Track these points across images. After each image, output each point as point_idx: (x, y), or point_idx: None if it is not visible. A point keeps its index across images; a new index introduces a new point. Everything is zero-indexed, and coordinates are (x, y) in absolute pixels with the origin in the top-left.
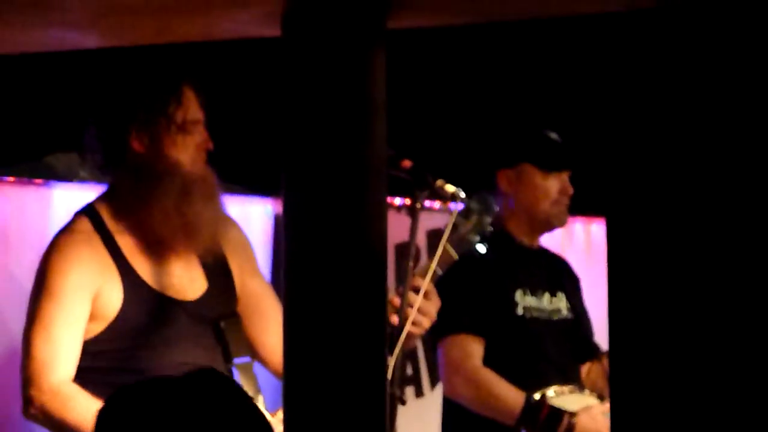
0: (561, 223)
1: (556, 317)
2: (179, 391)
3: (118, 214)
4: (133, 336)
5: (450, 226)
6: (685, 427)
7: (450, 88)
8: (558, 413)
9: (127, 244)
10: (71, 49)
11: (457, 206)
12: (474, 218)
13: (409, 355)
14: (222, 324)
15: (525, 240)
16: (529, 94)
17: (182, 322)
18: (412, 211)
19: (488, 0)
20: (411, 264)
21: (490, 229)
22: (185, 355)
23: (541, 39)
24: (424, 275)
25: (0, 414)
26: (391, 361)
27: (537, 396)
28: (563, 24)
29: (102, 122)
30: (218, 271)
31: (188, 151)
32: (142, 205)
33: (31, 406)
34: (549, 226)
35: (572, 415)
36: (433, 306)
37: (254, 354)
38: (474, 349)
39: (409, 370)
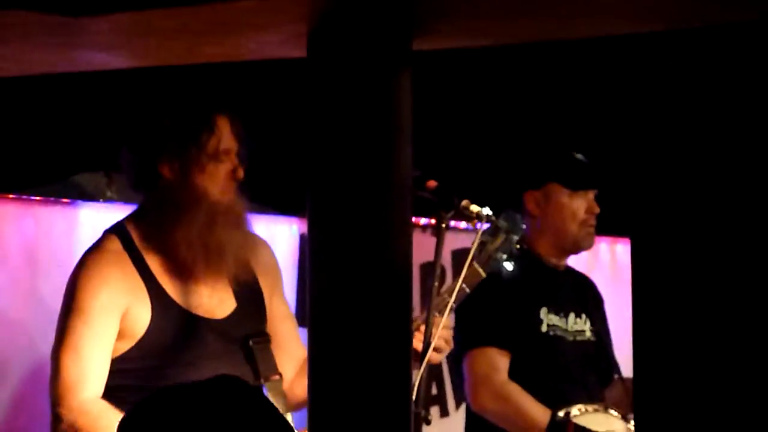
0: (588, 245)
1: (579, 338)
2: (205, 398)
3: (147, 235)
4: (161, 354)
5: (477, 245)
6: None
7: (476, 109)
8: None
9: (155, 263)
10: (100, 70)
11: (483, 226)
12: (501, 237)
13: (435, 374)
14: (251, 343)
15: (552, 260)
16: (555, 116)
17: (210, 340)
18: (438, 231)
19: (513, 23)
20: (436, 284)
21: (516, 247)
22: (213, 373)
23: (567, 60)
24: (451, 293)
25: (28, 431)
26: (416, 381)
27: (562, 414)
28: (590, 45)
29: (134, 145)
30: (247, 291)
31: (218, 180)
32: (168, 231)
33: (61, 424)
34: (576, 247)
35: None
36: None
37: None
38: (500, 362)
39: (435, 390)
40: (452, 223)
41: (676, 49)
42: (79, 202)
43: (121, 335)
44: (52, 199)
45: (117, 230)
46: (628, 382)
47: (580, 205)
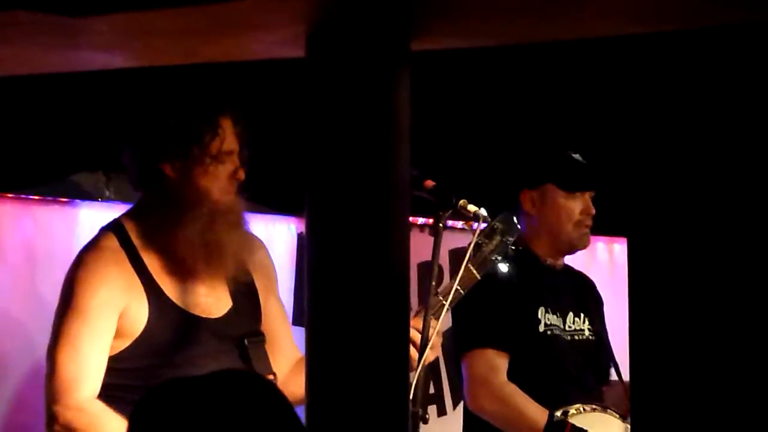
0: (583, 245)
1: (578, 338)
2: (218, 389)
3: (145, 233)
4: (157, 353)
5: (472, 247)
6: None
7: (475, 108)
8: None
9: (153, 261)
10: (100, 69)
11: (480, 226)
12: (497, 239)
13: (432, 373)
14: (246, 342)
15: (549, 260)
16: (552, 116)
17: (206, 339)
18: (435, 231)
19: (511, 23)
20: (433, 283)
21: (512, 249)
22: (209, 372)
23: (565, 60)
24: (446, 296)
25: (28, 430)
26: (414, 380)
27: (559, 413)
28: (589, 45)
29: (137, 143)
30: (244, 291)
31: (219, 180)
32: (168, 230)
33: (56, 423)
34: (571, 247)
35: None
36: None
37: None
38: (499, 363)
39: (432, 389)
40: (450, 222)
41: (672, 49)
42: (78, 201)
43: (118, 334)
44: (50, 198)
45: (114, 228)
46: (627, 382)
47: (576, 205)
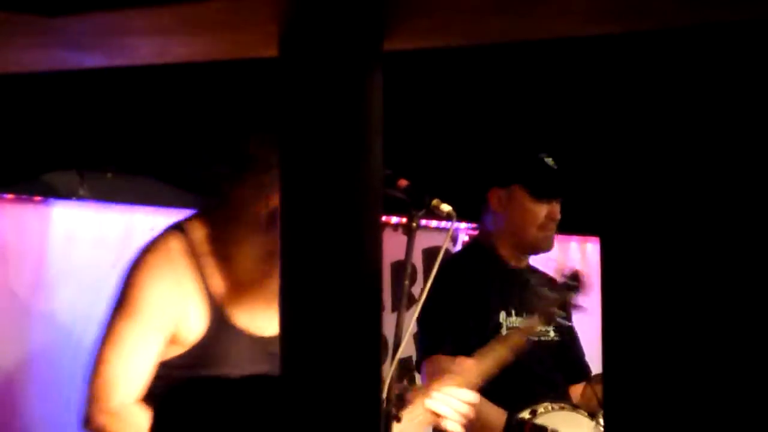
0: (546, 248)
1: (543, 338)
2: (236, 392)
3: (210, 241)
4: (207, 366)
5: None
6: None
7: (448, 107)
8: (541, 430)
9: (214, 272)
10: (73, 69)
11: (453, 225)
12: (565, 295)
13: (405, 373)
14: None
15: (512, 261)
16: (525, 114)
17: (258, 358)
18: (409, 230)
19: (485, 23)
20: (406, 282)
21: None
22: None
23: (539, 60)
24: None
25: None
26: (387, 379)
27: (525, 414)
28: (563, 45)
29: (226, 158)
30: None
31: None
32: (237, 243)
33: (89, 425)
34: (534, 249)
35: None
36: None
37: None
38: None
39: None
40: (423, 221)
41: (646, 48)
42: (52, 200)
43: (171, 340)
44: (24, 196)
45: (180, 231)
46: (595, 380)
47: (542, 210)
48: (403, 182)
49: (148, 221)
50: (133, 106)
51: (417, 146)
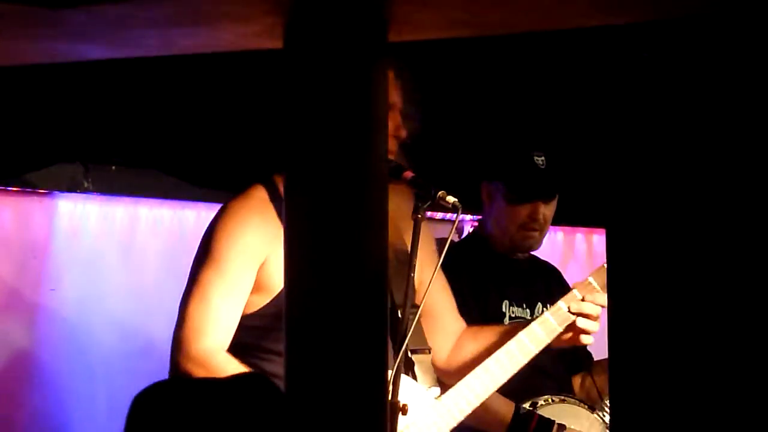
0: (528, 247)
1: None
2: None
3: None
4: None
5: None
6: None
7: (452, 98)
8: (547, 423)
9: None
10: (78, 60)
11: (459, 217)
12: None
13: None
14: (399, 312)
15: (509, 252)
16: (531, 105)
17: None
18: (415, 222)
19: (490, 13)
20: (412, 274)
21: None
22: None
23: (543, 51)
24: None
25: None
26: (393, 370)
27: (527, 405)
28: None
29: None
30: (398, 261)
31: None
32: None
33: (177, 372)
34: (513, 249)
35: (561, 426)
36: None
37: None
38: None
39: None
40: (428, 213)
41: (658, 37)
42: (57, 192)
43: (257, 288)
44: (29, 189)
45: (265, 181)
46: (595, 370)
47: (523, 210)
48: (408, 174)
49: (153, 214)
50: (137, 98)
51: (422, 137)
